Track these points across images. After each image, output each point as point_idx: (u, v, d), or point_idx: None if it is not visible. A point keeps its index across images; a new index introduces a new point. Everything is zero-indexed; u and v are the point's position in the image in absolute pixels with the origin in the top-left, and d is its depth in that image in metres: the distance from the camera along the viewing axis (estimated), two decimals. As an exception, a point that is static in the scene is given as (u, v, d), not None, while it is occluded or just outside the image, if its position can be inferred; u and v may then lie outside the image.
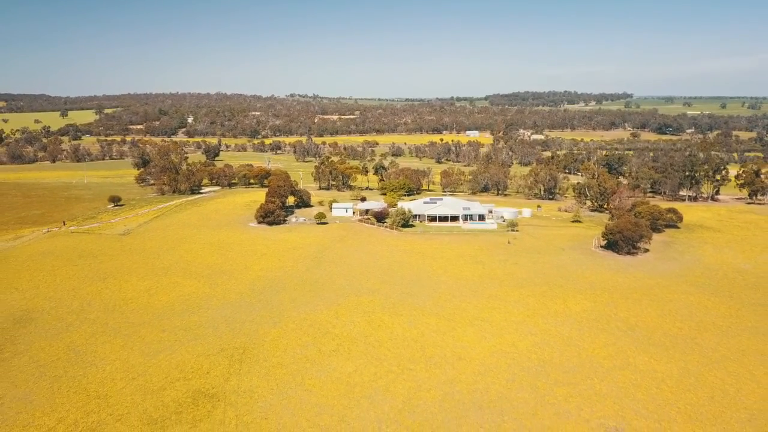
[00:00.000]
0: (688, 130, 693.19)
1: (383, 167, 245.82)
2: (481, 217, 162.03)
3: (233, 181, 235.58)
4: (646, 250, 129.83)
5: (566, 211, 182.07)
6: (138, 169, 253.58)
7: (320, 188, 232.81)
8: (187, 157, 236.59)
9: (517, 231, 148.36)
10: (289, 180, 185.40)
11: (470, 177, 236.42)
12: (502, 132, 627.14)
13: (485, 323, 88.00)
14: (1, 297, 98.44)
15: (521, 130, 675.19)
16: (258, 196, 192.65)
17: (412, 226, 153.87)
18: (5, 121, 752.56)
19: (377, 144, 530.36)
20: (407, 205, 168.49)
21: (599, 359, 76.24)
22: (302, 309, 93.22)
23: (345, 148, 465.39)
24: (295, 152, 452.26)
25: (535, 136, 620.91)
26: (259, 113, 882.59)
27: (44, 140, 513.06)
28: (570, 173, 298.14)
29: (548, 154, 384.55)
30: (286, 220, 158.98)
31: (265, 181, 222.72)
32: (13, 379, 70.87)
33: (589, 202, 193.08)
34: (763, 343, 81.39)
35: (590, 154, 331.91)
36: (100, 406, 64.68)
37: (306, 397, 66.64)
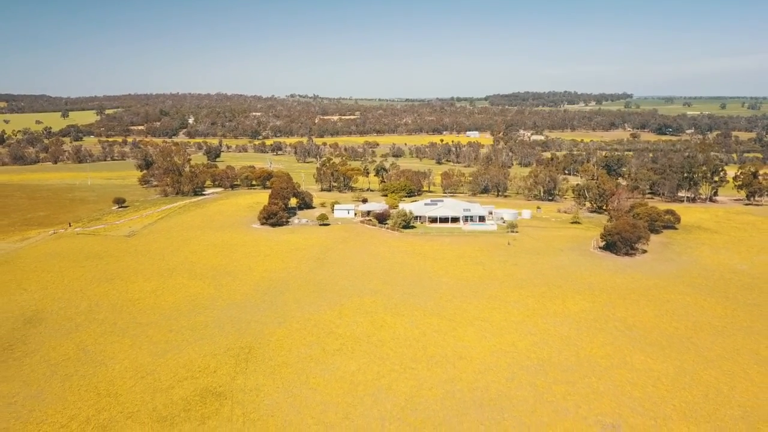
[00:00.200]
0: (688, 131, 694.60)
1: (384, 169, 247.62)
2: (482, 219, 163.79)
3: (235, 183, 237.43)
4: (644, 251, 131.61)
5: (565, 212, 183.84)
6: (141, 171, 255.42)
7: (322, 189, 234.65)
8: (190, 159, 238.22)
9: (516, 232, 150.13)
10: (292, 182, 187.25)
11: (470, 178, 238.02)
12: (502, 133, 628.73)
13: (485, 323, 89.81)
14: (11, 297, 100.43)
15: (521, 131, 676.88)
16: (260, 197, 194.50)
17: (413, 227, 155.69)
18: (6, 121, 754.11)
19: (378, 145, 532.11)
20: (408, 206, 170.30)
21: (597, 358, 78.03)
22: (306, 309, 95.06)
23: (346, 149, 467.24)
24: (296, 153, 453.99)
25: (535, 137, 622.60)
26: (259, 114, 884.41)
27: (46, 141, 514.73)
28: (570, 174, 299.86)
29: (548, 154, 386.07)
30: (288, 222, 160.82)
31: (268, 183, 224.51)
32: (25, 377, 72.74)
33: (588, 204, 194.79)
34: (757, 343, 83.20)
35: (590, 155, 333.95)
36: (111, 404, 66.54)
37: (311, 395, 68.45)
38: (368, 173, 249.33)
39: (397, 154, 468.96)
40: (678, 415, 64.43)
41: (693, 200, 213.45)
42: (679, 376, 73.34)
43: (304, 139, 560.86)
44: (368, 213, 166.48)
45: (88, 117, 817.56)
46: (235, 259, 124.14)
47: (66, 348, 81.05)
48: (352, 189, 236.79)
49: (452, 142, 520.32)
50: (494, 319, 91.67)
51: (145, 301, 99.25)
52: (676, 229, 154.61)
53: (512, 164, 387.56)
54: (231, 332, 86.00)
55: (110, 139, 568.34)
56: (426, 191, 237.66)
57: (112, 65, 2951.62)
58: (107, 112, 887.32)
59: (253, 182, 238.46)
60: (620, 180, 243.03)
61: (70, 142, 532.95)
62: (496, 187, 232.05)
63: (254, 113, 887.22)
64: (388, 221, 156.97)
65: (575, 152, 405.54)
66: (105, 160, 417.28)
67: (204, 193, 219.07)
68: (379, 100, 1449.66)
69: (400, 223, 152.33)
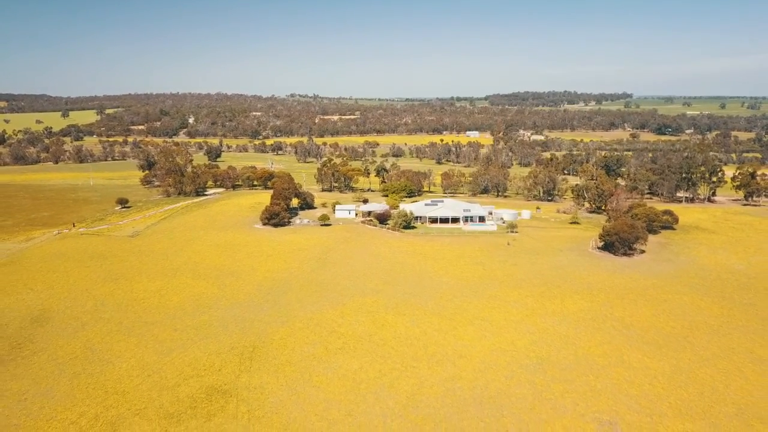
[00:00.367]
0: (687, 131, 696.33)
1: (385, 169, 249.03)
2: (482, 219, 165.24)
3: (237, 183, 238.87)
4: (642, 251, 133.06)
5: (565, 212, 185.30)
6: (143, 171, 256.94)
7: (323, 190, 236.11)
8: (191, 160, 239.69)
9: (516, 232, 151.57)
10: (293, 182, 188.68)
11: (470, 179, 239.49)
12: (502, 133, 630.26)
13: (485, 322, 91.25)
14: (18, 297, 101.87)
15: (521, 131, 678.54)
16: (262, 197, 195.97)
17: (413, 227, 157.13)
18: (7, 121, 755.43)
19: (378, 145, 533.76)
20: (409, 207, 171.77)
21: (595, 357, 79.48)
22: (309, 309, 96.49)
23: (346, 149, 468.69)
24: (296, 153, 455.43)
25: (535, 137, 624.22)
26: (259, 113, 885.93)
27: (46, 141, 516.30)
28: (569, 174, 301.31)
29: (548, 155, 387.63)
30: (290, 222, 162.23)
31: (269, 183, 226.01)
32: (34, 375, 74.17)
33: (587, 204, 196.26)
34: (753, 342, 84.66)
35: (589, 155, 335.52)
36: (119, 401, 67.96)
37: (314, 393, 69.87)
38: (369, 173, 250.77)
39: (397, 154, 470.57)
40: (673, 413, 65.87)
41: (691, 200, 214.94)
42: (675, 374, 74.77)
43: (305, 139, 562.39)
44: (369, 213, 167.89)
45: (89, 117, 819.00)
46: (238, 259, 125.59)
47: (73, 346, 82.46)
48: (352, 189, 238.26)
49: (452, 142, 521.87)
50: (494, 318, 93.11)
51: (149, 301, 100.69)
52: (674, 229, 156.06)
53: (512, 164, 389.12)
54: (235, 331, 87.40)
55: (111, 139, 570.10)
56: (426, 191, 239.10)
57: (112, 65, 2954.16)
58: (107, 111, 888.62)
59: (255, 182, 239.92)
60: (619, 180, 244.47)
61: (71, 142, 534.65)
62: (495, 188, 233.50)
63: (254, 113, 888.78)
64: (388, 221, 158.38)
65: (575, 152, 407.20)
66: (106, 160, 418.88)
67: (206, 193, 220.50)
68: (379, 99, 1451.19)
69: (400, 224, 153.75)
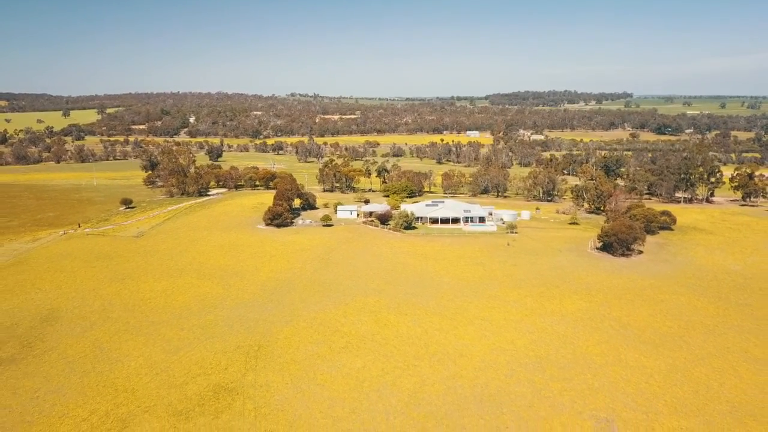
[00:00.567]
0: (687, 131, 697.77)
1: (386, 170, 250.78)
2: (482, 220, 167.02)
3: (239, 183, 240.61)
4: (640, 252, 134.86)
5: (564, 213, 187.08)
6: (146, 172, 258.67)
7: (324, 190, 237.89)
8: (194, 160, 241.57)
9: (516, 233, 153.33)
10: (296, 183, 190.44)
11: (471, 179, 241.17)
12: (502, 132, 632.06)
13: (485, 322, 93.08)
14: (27, 297, 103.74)
15: (521, 131, 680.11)
16: (264, 198, 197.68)
17: (414, 228, 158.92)
18: (8, 121, 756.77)
19: (378, 144, 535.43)
20: (410, 207, 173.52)
21: (592, 356, 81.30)
22: (312, 308, 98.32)
23: (346, 149, 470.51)
24: (297, 153, 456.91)
25: (535, 137, 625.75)
26: (260, 113, 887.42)
27: (48, 140, 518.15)
28: (569, 175, 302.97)
29: (548, 154, 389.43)
30: (293, 223, 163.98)
31: (271, 183, 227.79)
32: (45, 373, 75.99)
33: (586, 205, 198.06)
34: (747, 341, 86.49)
35: (589, 155, 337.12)
36: (129, 399, 69.76)
37: (319, 390, 71.67)
38: (370, 174, 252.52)
39: (398, 153, 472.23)
40: (668, 410, 67.67)
41: (690, 201, 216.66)
42: (670, 372, 76.57)
43: (305, 139, 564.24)
44: (371, 214, 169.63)
45: (90, 116, 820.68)
46: (242, 260, 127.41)
47: (82, 345, 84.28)
48: (354, 189, 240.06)
49: (452, 141, 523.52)
50: (494, 318, 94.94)
51: (156, 301, 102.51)
52: (672, 230, 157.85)
53: (512, 164, 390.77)
54: (240, 331, 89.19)
55: (112, 139, 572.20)
56: (427, 192, 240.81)
57: (112, 64, 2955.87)
58: (108, 111, 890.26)
59: (257, 183, 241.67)
60: (618, 181, 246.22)
61: (72, 142, 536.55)
62: (495, 188, 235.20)
63: (255, 112, 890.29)
64: (390, 222, 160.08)
65: (575, 152, 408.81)
66: (107, 160, 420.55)
67: (209, 193, 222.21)
68: (380, 99, 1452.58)
69: (401, 224, 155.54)
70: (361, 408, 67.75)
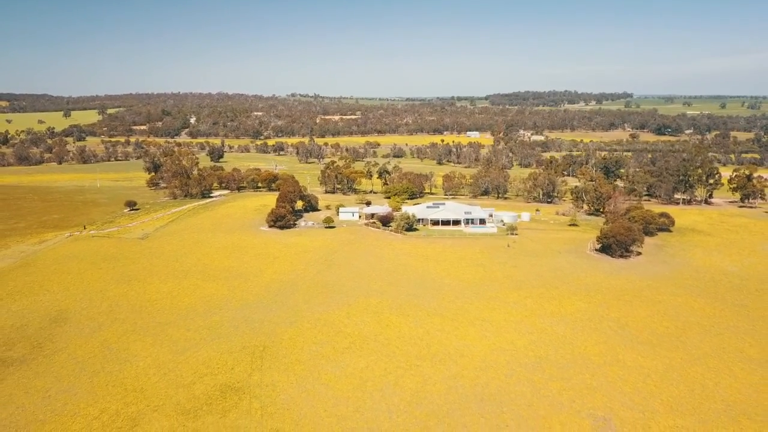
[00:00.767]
0: (687, 131, 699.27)
1: (387, 171, 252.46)
2: (482, 221, 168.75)
3: (242, 185, 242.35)
4: (639, 254, 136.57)
5: (564, 214, 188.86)
6: (149, 173, 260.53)
7: (326, 192, 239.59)
8: (197, 162, 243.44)
9: (516, 234, 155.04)
10: (298, 185, 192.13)
11: (471, 181, 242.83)
12: (502, 133, 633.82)
13: (486, 323, 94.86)
14: (36, 298, 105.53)
15: (521, 131, 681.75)
16: (267, 200, 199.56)
17: (416, 229, 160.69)
18: (9, 121, 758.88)
19: (379, 145, 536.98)
20: (411, 209, 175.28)
21: (591, 356, 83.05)
22: (316, 310, 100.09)
23: (347, 150, 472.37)
24: (297, 153, 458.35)
25: (535, 137, 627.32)
26: (261, 113, 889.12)
27: (49, 141, 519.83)
28: (569, 176, 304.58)
29: (548, 155, 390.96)
30: (296, 224, 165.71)
31: (273, 185, 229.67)
32: (56, 373, 77.75)
33: (585, 206, 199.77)
34: (743, 341, 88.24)
35: (589, 156, 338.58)
36: (138, 398, 71.51)
37: (323, 390, 73.43)
38: (371, 176, 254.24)
39: (398, 154, 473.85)
40: (665, 409, 69.39)
41: (688, 202, 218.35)
42: (667, 372, 78.30)
43: (306, 140, 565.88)
44: (372, 216, 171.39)
45: (90, 116, 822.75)
46: (246, 261, 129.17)
47: (91, 346, 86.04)
48: (355, 191, 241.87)
49: (453, 142, 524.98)
50: (494, 319, 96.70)
51: (162, 302, 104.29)
52: (670, 231, 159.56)
53: (512, 165, 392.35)
54: (246, 331, 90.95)
55: (113, 140, 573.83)
56: (428, 193, 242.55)
57: (113, 64, 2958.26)
58: (109, 111, 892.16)
59: (259, 184, 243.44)
60: (618, 182, 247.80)
61: (74, 143, 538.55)
62: (496, 190, 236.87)
63: (256, 113, 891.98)
64: (391, 224, 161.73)
65: (575, 153, 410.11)
66: (109, 161, 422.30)
67: (211, 195, 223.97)
68: (380, 99, 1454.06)
69: (403, 226, 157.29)
70: (364, 407, 69.49)
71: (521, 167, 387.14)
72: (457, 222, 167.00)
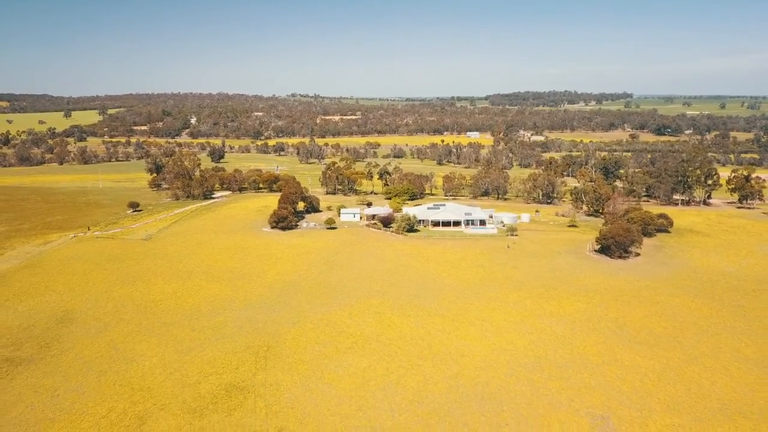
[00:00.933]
0: (687, 131, 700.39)
1: (387, 172, 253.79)
2: (482, 222, 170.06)
3: (243, 186, 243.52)
4: (637, 254, 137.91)
5: (563, 215, 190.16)
6: (151, 174, 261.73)
7: (327, 193, 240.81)
8: (199, 164, 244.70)
9: (516, 235, 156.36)
10: (300, 186, 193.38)
11: (471, 182, 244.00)
12: (502, 133, 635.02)
13: (486, 323, 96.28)
14: (42, 299, 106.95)
15: (521, 131, 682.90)
16: (268, 201, 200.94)
17: (416, 230, 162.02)
18: (9, 122, 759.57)
19: (379, 145, 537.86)
20: (412, 210, 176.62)
21: (589, 355, 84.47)
22: (318, 310, 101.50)
23: (347, 150, 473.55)
24: (298, 154, 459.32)
25: (535, 138, 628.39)
26: (261, 114, 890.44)
27: (50, 142, 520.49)
28: (569, 176, 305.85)
29: (548, 156, 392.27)
30: (297, 225, 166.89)
31: (275, 186, 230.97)
32: (64, 373, 79.20)
33: (585, 207, 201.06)
34: (739, 341, 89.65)
35: (589, 157, 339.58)
36: (145, 397, 72.97)
37: (326, 389, 74.87)
38: (372, 177, 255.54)
39: (399, 154, 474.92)
40: (662, 408, 70.82)
41: (687, 203, 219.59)
42: (664, 372, 79.73)
43: (306, 140, 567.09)
44: (373, 217, 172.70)
45: (91, 117, 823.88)
46: (249, 262, 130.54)
47: (98, 346, 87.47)
48: (356, 192, 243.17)
49: (453, 142, 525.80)
50: (494, 319, 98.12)
51: (167, 302, 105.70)
52: (669, 232, 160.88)
53: (512, 166, 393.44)
54: (249, 331, 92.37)
55: (114, 140, 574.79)
56: (428, 194, 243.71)
57: (113, 64, 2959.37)
58: (109, 111, 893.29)
59: (261, 185, 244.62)
60: (617, 183, 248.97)
61: (75, 143, 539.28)
62: (496, 191, 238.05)
63: (256, 113, 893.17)
64: (392, 225, 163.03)
65: (574, 153, 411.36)
66: (110, 161, 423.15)
67: (213, 196, 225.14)
68: (380, 99, 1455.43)
69: (404, 227, 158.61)
70: (367, 405, 70.92)
71: (521, 168, 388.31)
72: (457, 223, 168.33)
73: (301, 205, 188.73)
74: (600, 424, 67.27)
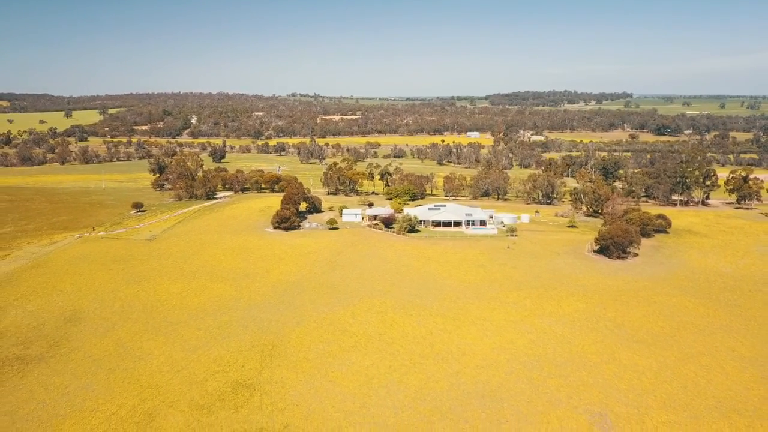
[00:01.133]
0: (686, 131, 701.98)
1: (388, 173, 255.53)
2: (483, 223, 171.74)
3: (245, 186, 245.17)
4: (636, 255, 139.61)
5: (563, 216, 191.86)
6: (154, 175, 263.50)
7: (328, 193, 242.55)
8: (202, 164, 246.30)
9: (516, 236, 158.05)
10: (302, 187, 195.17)
11: (471, 182, 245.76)
12: (502, 133, 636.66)
13: (486, 322, 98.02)
14: (50, 298, 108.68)
15: (521, 131, 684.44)
16: (271, 201, 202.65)
17: (418, 231, 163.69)
18: (10, 121, 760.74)
19: (379, 145, 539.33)
20: (413, 211, 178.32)
21: (588, 354, 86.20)
22: (322, 309, 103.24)
23: (348, 150, 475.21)
24: (299, 154, 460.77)
25: (535, 138, 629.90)
26: (262, 114, 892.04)
27: (52, 141, 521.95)
28: (568, 177, 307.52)
29: (548, 156, 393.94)
30: (300, 226, 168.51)
31: (276, 187, 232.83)
32: (73, 371, 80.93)
33: (584, 208, 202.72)
34: (735, 340, 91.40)
35: (588, 157, 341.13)
36: (153, 395, 74.71)
37: (330, 387, 76.60)
38: (373, 177, 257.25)
39: (399, 155, 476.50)
40: (658, 405, 72.55)
41: (686, 204, 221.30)
42: (661, 370, 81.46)
43: (307, 140, 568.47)
44: (375, 217, 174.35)
45: (91, 117, 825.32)
46: (253, 262, 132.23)
47: (106, 345, 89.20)
48: (357, 192, 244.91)
49: (453, 142, 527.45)
50: (495, 318, 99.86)
51: (172, 302, 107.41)
52: (667, 233, 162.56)
53: (512, 166, 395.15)
54: (254, 330, 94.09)
55: (115, 140, 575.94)
56: (429, 195, 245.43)
57: (113, 64, 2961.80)
58: (110, 111, 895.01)
59: (263, 186, 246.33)
60: (617, 183, 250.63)
61: (76, 143, 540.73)
62: (496, 191, 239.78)
63: (256, 113, 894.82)
64: (393, 225, 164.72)
65: (574, 153, 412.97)
66: (111, 161, 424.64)
67: (216, 196, 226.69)
68: (380, 99, 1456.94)
69: (405, 228, 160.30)
70: (370, 403, 72.65)
71: (521, 168, 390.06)
72: (458, 223, 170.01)
73: (303, 206, 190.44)
74: (598, 421, 69.01)
